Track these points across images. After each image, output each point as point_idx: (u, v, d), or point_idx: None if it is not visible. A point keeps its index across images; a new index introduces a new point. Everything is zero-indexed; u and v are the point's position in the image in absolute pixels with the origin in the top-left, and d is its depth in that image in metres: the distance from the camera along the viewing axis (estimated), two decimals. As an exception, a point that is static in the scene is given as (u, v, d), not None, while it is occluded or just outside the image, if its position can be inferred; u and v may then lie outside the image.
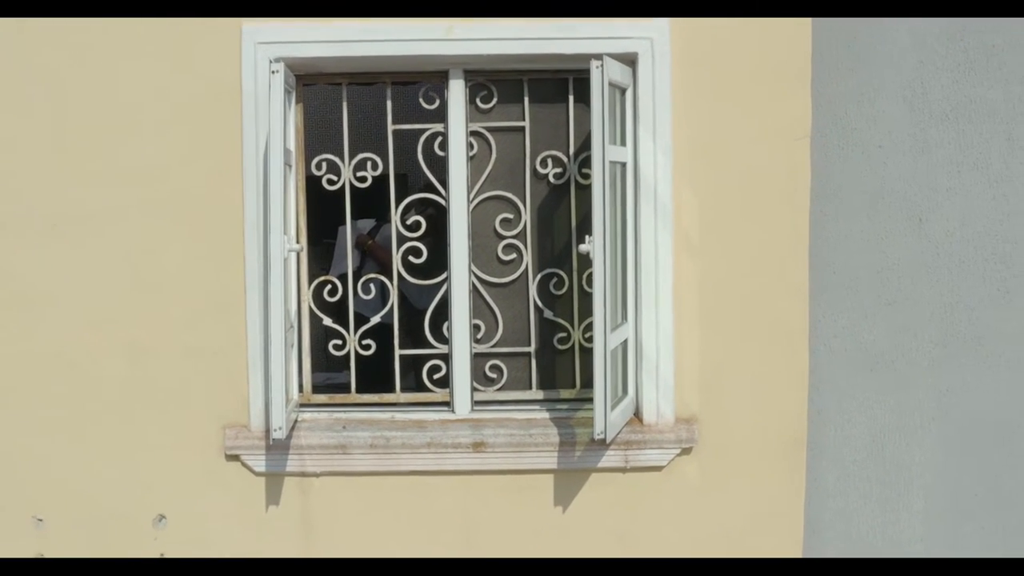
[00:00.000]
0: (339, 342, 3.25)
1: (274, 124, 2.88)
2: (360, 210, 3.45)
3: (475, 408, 3.22)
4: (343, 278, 3.29)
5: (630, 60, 3.07)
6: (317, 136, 3.43)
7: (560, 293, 3.25)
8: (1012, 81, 3.36)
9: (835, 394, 3.39)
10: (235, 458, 3.14)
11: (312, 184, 3.23)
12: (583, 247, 2.91)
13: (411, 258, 3.25)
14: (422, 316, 3.29)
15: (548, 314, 3.26)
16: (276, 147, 2.88)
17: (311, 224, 3.22)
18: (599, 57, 2.85)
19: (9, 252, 3.10)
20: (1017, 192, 3.38)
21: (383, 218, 4.52)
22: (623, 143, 3.08)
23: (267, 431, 3.05)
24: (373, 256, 4.70)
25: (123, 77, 3.06)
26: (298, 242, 3.12)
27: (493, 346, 3.26)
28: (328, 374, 3.93)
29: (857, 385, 3.39)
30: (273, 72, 2.84)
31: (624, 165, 3.08)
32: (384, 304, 3.29)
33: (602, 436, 2.89)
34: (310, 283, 3.27)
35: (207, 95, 3.07)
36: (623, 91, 3.08)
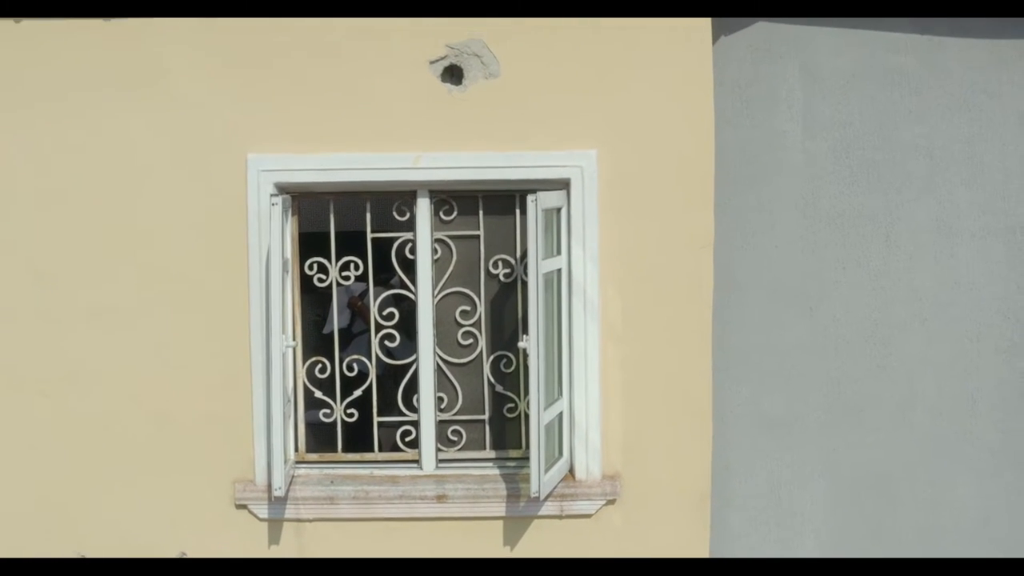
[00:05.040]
0: (328, 411, 3.95)
1: (274, 243, 3.58)
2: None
3: (439, 465, 3.92)
4: (329, 340, 3.94)
5: (564, 184, 3.75)
6: (309, 238, 4.08)
7: (509, 371, 3.94)
8: (890, 191, 4.01)
9: (740, 452, 4.06)
10: (243, 507, 3.84)
11: (305, 280, 3.92)
12: (522, 344, 3.60)
13: (387, 342, 3.95)
14: (403, 374, 3.97)
15: (499, 388, 3.95)
16: (275, 263, 3.57)
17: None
18: (535, 191, 3.53)
19: (58, 337, 3.80)
20: (894, 285, 4.03)
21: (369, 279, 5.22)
22: (558, 252, 3.76)
23: (269, 486, 3.75)
24: (361, 315, 5.40)
25: (149, 194, 3.75)
26: (294, 339, 3.81)
27: (454, 414, 3.95)
28: (320, 410, 4.48)
29: (758, 445, 4.07)
30: (273, 204, 3.53)
31: (560, 270, 3.77)
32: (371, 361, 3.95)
33: (537, 494, 3.58)
34: (304, 361, 3.96)
35: (219, 210, 3.75)
36: (558, 210, 3.76)
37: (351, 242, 3.97)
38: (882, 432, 4.06)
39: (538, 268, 3.49)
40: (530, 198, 3.48)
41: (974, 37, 3.96)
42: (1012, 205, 4.01)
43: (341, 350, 4.04)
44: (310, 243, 3.97)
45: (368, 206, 3.93)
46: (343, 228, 3.94)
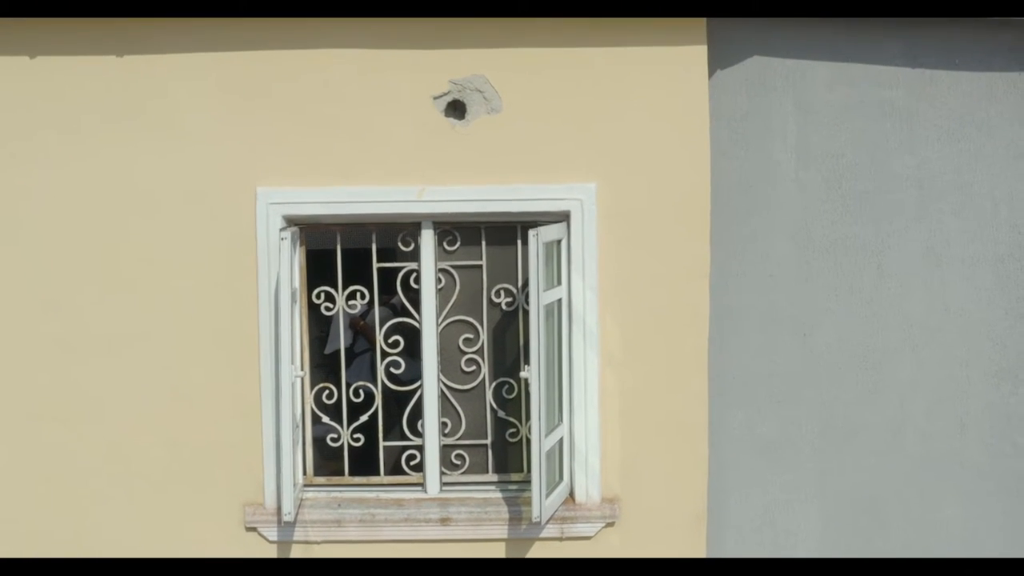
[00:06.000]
0: (335, 435, 4.06)
1: (283, 275, 3.69)
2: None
3: (443, 488, 4.03)
4: (336, 359, 4.06)
5: (564, 216, 3.86)
6: (314, 256, 4.17)
7: (511, 397, 4.05)
8: (881, 221, 4.12)
9: (735, 474, 4.17)
10: (253, 529, 3.95)
11: (312, 306, 4.03)
12: (523, 373, 3.71)
13: (392, 369, 4.06)
14: (407, 398, 4.08)
15: (501, 414, 4.07)
16: (284, 294, 3.69)
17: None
18: (536, 222, 3.64)
19: (74, 366, 3.91)
20: (885, 311, 4.14)
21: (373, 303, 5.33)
22: (559, 283, 3.87)
23: (279, 510, 3.86)
24: (364, 335, 5.52)
25: (161, 226, 3.86)
26: (302, 368, 3.92)
27: (458, 439, 4.07)
28: (326, 426, 4.46)
29: (753, 467, 4.17)
30: (282, 239, 3.64)
31: (560, 300, 3.87)
32: (375, 381, 4.06)
33: (538, 519, 3.70)
34: (312, 388, 4.07)
35: (229, 241, 3.87)
36: (559, 241, 3.87)
37: (357, 265, 4.07)
38: (874, 455, 4.17)
39: (539, 300, 3.60)
40: (531, 233, 3.58)
41: (964, 70, 4.07)
42: (1000, 233, 4.12)
43: (344, 369, 4.16)
44: (316, 263, 4.07)
45: (374, 237, 4.03)
46: (349, 246, 4.05)
